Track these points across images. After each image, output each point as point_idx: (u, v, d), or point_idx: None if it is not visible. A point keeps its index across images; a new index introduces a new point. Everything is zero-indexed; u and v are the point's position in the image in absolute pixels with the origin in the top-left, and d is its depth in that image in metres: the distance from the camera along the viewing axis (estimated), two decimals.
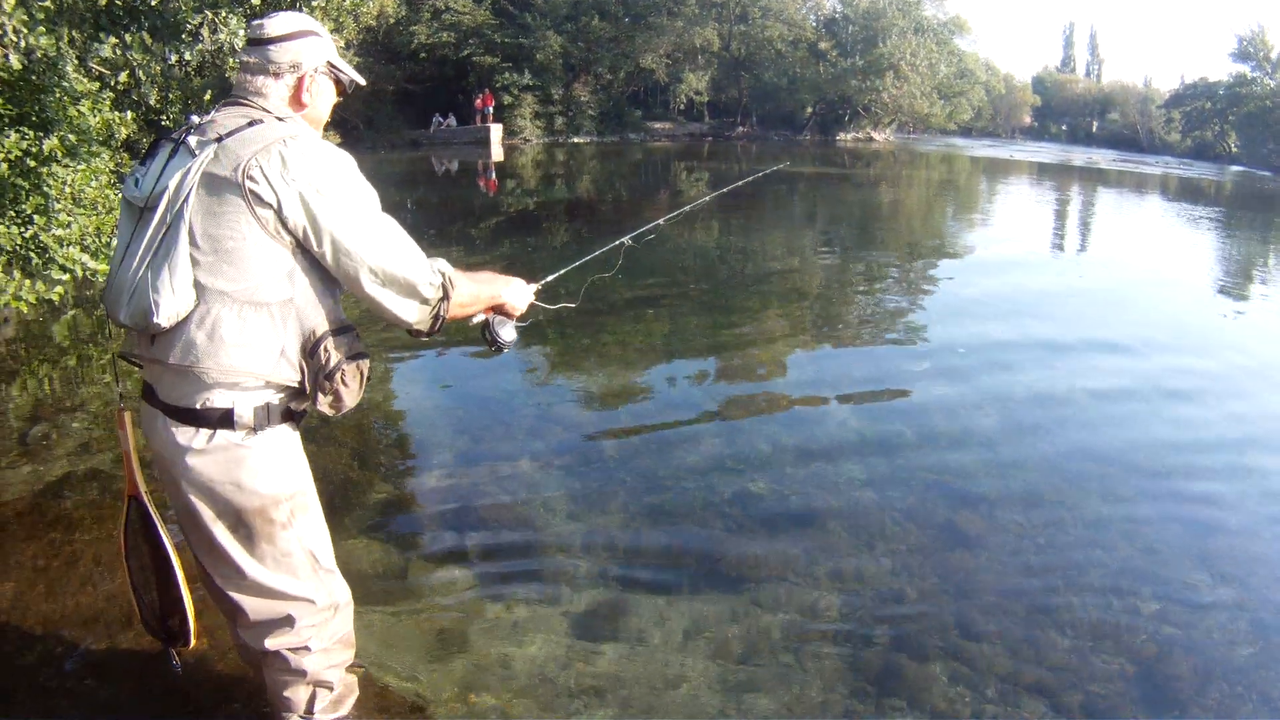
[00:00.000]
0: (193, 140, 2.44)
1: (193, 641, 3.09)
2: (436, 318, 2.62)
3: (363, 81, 2.82)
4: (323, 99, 2.68)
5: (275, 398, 2.49)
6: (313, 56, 2.59)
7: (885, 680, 3.68)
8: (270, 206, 2.34)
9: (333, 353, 2.49)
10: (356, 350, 2.58)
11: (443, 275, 2.61)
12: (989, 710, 3.54)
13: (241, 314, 2.38)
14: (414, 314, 2.57)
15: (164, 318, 2.34)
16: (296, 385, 2.49)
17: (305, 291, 2.46)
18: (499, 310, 2.98)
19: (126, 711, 3.30)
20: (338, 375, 2.50)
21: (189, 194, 2.36)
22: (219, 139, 2.39)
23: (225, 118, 2.48)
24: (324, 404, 2.53)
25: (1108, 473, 5.77)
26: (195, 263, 2.35)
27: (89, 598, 3.99)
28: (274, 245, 2.38)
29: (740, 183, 4.54)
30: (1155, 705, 3.62)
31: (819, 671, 3.71)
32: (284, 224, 2.36)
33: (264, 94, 2.56)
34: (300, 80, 2.59)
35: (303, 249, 2.43)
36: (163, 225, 2.39)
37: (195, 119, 2.53)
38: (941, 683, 3.68)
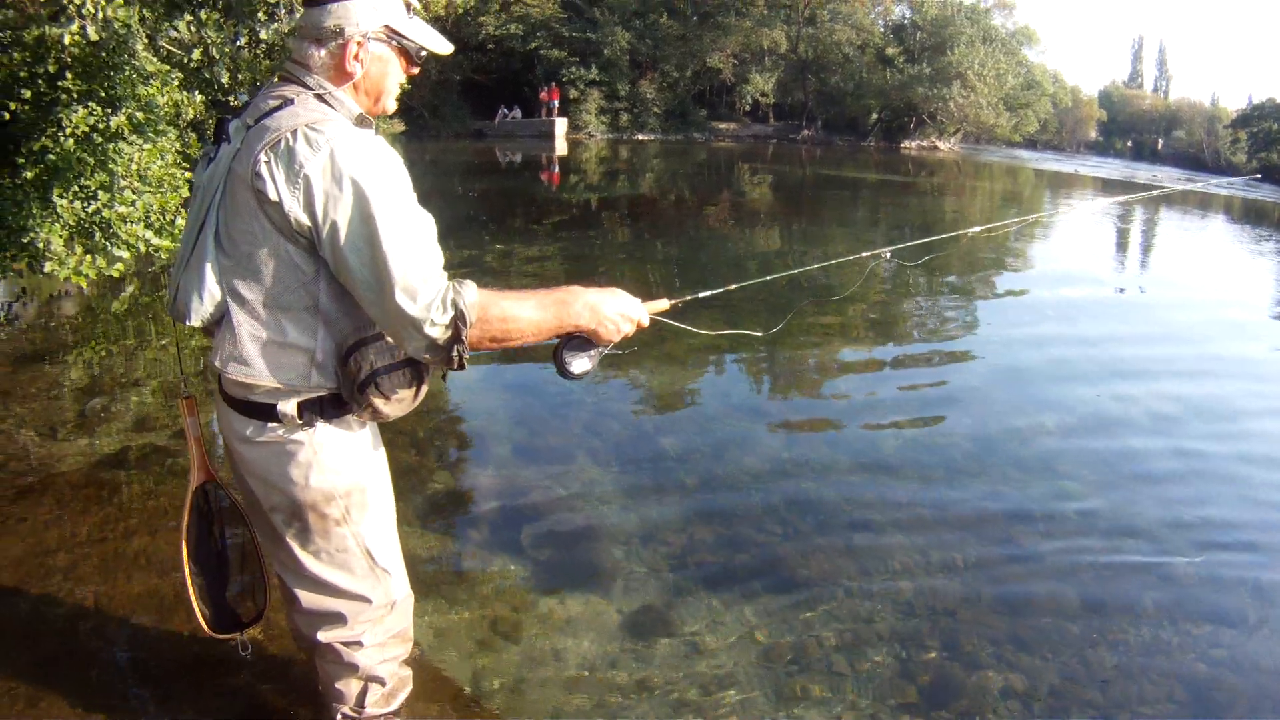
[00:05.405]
0: (232, 126, 2.28)
1: (264, 608, 3.03)
2: (450, 357, 2.18)
3: (442, 49, 2.48)
4: (379, 69, 2.36)
5: (322, 395, 2.32)
6: (364, 20, 2.27)
7: (936, 692, 3.61)
8: (277, 205, 2.11)
9: (364, 364, 2.25)
10: (407, 358, 2.31)
11: (456, 309, 2.13)
12: None
13: (266, 321, 2.23)
14: (418, 347, 2.18)
15: (196, 319, 2.25)
16: (336, 391, 2.32)
17: (334, 296, 2.24)
18: (578, 334, 2.44)
19: (174, 688, 3.31)
20: (371, 387, 2.26)
21: (217, 191, 2.23)
22: (249, 126, 2.21)
23: (264, 98, 2.28)
24: (362, 415, 2.36)
25: (1168, 497, 5.58)
26: (220, 266, 2.22)
27: (143, 572, 3.99)
28: (289, 248, 2.18)
29: (1006, 224, 4.33)
30: None
31: (870, 680, 3.64)
32: (291, 224, 2.13)
33: (308, 64, 2.30)
34: (345, 47, 2.28)
35: None
36: (197, 222, 2.27)
37: (247, 98, 2.40)
38: (992, 696, 3.60)
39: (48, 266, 5.62)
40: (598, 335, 2.45)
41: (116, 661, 3.44)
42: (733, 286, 3.13)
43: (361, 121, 2.31)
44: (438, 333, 2.13)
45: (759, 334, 3.28)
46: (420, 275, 2.11)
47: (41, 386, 6.40)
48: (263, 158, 2.10)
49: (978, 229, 4.13)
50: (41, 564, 4.04)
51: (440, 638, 3.71)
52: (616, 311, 2.46)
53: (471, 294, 2.17)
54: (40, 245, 5.53)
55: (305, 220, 2.11)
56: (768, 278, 3.29)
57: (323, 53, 2.29)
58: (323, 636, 2.61)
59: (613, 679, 3.55)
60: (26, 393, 6.24)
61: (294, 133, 2.11)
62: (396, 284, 2.09)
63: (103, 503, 4.65)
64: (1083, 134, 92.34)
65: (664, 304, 2.69)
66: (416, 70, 2.47)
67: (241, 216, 2.18)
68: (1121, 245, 19.48)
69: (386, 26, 2.31)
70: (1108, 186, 38.81)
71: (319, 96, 2.27)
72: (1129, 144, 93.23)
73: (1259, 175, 51.69)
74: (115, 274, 5.93)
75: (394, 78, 2.42)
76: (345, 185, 2.09)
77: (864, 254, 3.61)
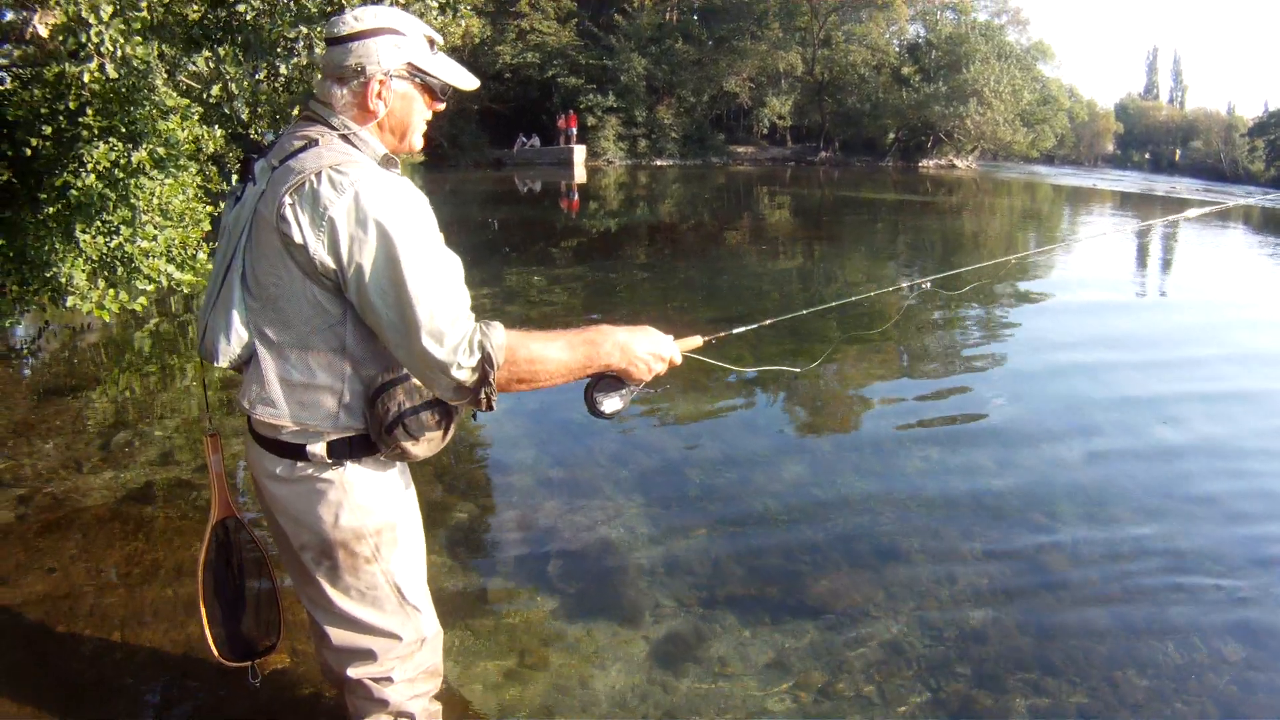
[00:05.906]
0: (258, 167, 2.27)
1: (277, 640, 3.01)
2: (478, 399, 2.16)
3: (467, 85, 2.44)
4: (403, 107, 2.33)
5: (351, 435, 2.29)
6: (386, 58, 2.25)
7: (964, 716, 3.56)
8: (302, 248, 2.09)
9: (392, 405, 2.23)
10: (434, 399, 2.27)
11: (483, 351, 2.11)
12: None
13: (293, 362, 2.21)
14: (445, 390, 2.16)
15: (224, 360, 2.24)
16: (364, 432, 2.28)
17: (360, 338, 2.22)
18: (609, 373, 2.41)
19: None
20: (399, 429, 2.23)
21: (244, 231, 2.22)
22: (274, 167, 2.21)
23: (289, 138, 2.27)
24: (389, 456, 2.33)
25: (1192, 508, 5.51)
26: (248, 307, 2.22)
27: (169, 606, 3.98)
28: (315, 290, 2.16)
29: (1065, 243, 4.31)
30: None
31: (900, 706, 3.59)
32: (316, 267, 2.11)
33: (331, 103, 2.29)
34: (367, 86, 2.25)
35: None
36: (224, 263, 2.26)
37: (272, 137, 2.39)
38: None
39: (70, 301, 5.63)
40: (629, 374, 2.41)
41: (142, 694, 3.43)
42: (768, 322, 3.09)
43: (387, 162, 2.28)
44: (465, 375, 2.11)
45: (796, 370, 3.20)
46: (447, 318, 2.09)
47: (66, 420, 6.43)
48: (287, 200, 2.09)
49: (1033, 251, 4.10)
50: (68, 598, 4.03)
51: (468, 670, 3.68)
52: (647, 350, 2.42)
53: (499, 335, 2.14)
54: (63, 280, 5.55)
55: (330, 263, 2.10)
56: (804, 311, 3.28)
57: (345, 91, 2.27)
58: (353, 673, 2.57)
59: (642, 710, 3.51)
60: (51, 426, 6.27)
61: (318, 175, 2.09)
62: (423, 327, 2.06)
63: (128, 537, 4.65)
64: (1100, 147, 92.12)
65: (697, 340, 2.64)
66: (441, 106, 2.44)
67: (267, 259, 2.16)
68: (1154, 258, 19.36)
69: (409, 64, 2.29)
70: (1128, 200, 38.61)
71: (344, 137, 2.25)
72: (1146, 156, 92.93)
73: None
74: (138, 308, 5.94)
75: (419, 115, 2.39)
76: (370, 228, 2.07)
77: (904, 284, 3.58)
